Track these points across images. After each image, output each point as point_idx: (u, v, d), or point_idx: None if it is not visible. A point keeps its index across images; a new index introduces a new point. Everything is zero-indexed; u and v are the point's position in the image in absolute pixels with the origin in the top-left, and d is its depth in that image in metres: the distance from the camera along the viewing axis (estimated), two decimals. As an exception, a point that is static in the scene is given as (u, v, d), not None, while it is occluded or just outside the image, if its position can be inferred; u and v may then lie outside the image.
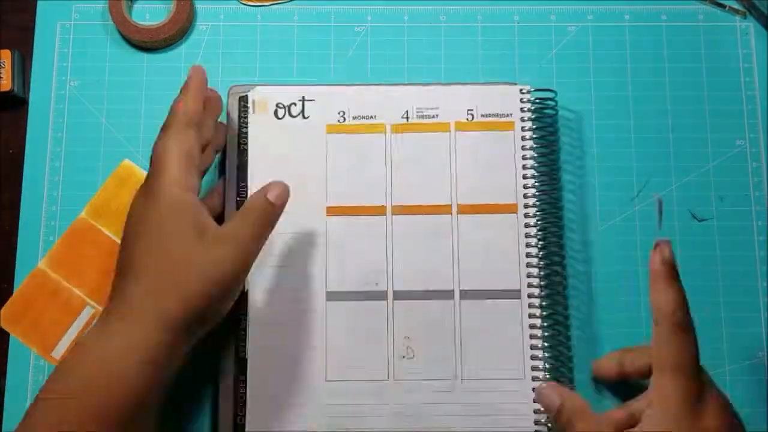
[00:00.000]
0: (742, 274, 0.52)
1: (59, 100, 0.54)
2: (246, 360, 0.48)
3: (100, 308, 0.50)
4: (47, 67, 0.54)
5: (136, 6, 0.56)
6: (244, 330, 0.48)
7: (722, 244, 0.52)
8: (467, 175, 0.51)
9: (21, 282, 0.51)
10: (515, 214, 0.50)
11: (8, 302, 0.51)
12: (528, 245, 0.49)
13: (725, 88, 0.55)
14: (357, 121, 0.51)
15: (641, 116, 0.54)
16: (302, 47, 0.55)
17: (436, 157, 0.51)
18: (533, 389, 0.47)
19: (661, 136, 0.54)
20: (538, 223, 0.50)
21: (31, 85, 0.54)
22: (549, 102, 0.52)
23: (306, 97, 0.51)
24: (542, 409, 0.46)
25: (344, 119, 0.51)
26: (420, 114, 0.51)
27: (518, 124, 0.51)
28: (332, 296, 0.49)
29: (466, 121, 0.51)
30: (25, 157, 0.53)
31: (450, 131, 0.51)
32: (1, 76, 0.53)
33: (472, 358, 0.48)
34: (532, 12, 0.56)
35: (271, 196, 0.44)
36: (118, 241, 0.45)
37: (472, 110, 0.51)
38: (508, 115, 0.51)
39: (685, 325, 0.40)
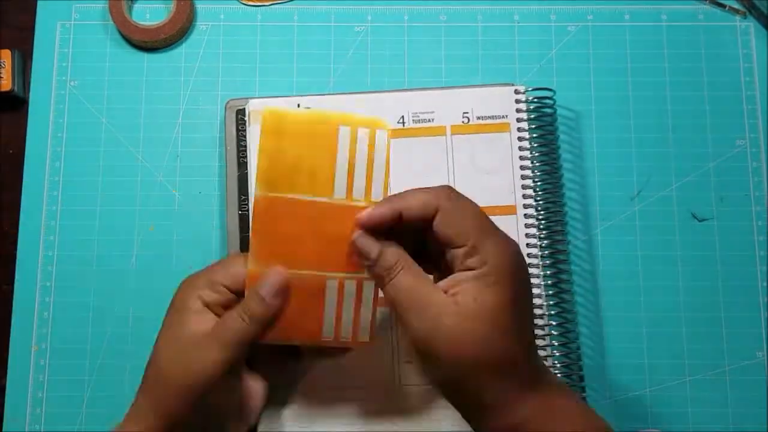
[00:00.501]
0: (742, 274, 0.52)
1: (59, 100, 0.54)
2: None
3: (341, 275, 0.41)
4: (47, 67, 0.54)
5: (136, 6, 0.56)
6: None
7: (722, 244, 0.52)
8: (465, 178, 0.51)
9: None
10: (514, 216, 0.50)
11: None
12: (529, 245, 0.49)
13: (725, 88, 0.55)
14: None
15: (641, 116, 0.54)
16: (302, 47, 0.55)
17: (433, 161, 0.51)
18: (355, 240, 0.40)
19: (661, 136, 0.54)
20: (541, 222, 0.50)
21: (31, 85, 0.54)
22: (547, 101, 0.52)
23: (301, 107, 0.51)
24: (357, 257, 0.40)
25: None
26: (416, 119, 0.51)
27: (514, 125, 0.51)
28: None
29: (462, 124, 0.51)
30: (25, 157, 0.53)
31: (446, 135, 0.51)
32: (1, 76, 0.53)
33: None
34: (532, 12, 0.56)
35: (265, 292, 0.40)
36: (322, 199, 0.40)
37: (467, 113, 0.51)
38: (503, 117, 0.51)
39: None
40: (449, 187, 0.40)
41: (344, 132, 0.41)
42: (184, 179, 0.53)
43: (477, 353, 0.37)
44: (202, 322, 0.40)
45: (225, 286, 0.41)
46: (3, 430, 0.50)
